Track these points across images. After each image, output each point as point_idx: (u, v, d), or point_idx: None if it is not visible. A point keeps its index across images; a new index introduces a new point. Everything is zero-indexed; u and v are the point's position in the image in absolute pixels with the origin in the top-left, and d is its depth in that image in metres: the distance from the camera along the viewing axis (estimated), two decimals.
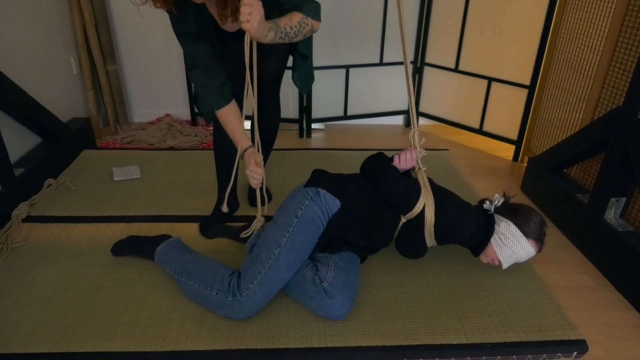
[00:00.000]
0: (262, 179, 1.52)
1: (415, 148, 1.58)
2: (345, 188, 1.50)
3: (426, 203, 1.47)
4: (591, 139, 1.89)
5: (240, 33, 1.45)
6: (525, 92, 2.54)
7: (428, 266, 1.68)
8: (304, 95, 2.81)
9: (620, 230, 1.71)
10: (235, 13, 1.40)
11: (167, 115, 2.99)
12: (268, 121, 1.97)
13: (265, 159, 2.13)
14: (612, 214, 1.79)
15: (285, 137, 2.89)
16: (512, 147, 2.68)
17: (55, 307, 1.43)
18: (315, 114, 2.90)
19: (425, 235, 1.52)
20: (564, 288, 1.66)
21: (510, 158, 2.69)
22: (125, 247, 1.64)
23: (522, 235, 1.46)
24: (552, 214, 2.09)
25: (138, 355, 1.28)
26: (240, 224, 1.76)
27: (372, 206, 1.50)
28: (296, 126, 2.94)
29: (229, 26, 1.54)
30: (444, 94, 2.93)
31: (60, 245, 1.71)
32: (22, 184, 1.97)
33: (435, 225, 1.48)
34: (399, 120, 3.17)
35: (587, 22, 2.08)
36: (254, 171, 1.50)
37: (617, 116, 1.74)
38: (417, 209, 1.47)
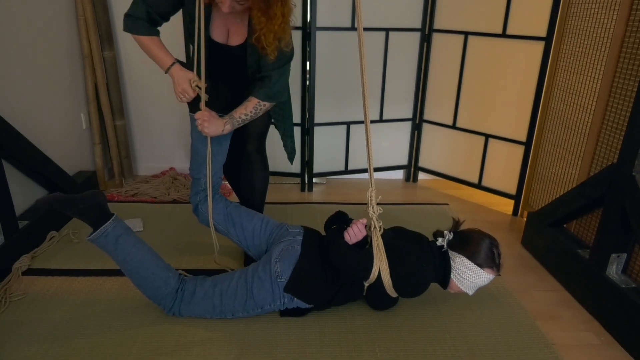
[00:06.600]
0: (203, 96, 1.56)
1: (362, 219, 1.62)
2: (322, 295, 1.61)
3: (380, 267, 1.52)
4: (588, 195, 1.90)
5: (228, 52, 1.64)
6: (522, 148, 2.59)
7: (430, 324, 1.65)
8: (306, 150, 2.86)
9: (623, 286, 1.69)
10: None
11: (171, 168, 3.04)
12: (256, 176, 2.03)
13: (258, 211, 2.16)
14: (613, 270, 1.77)
15: (287, 191, 2.91)
16: (512, 202, 2.70)
17: None
18: (316, 169, 2.94)
19: (389, 293, 1.57)
20: (569, 346, 1.62)
21: (510, 212, 2.70)
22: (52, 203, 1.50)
23: (477, 267, 1.53)
24: (554, 269, 2.07)
25: None
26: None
27: (340, 292, 1.61)
28: (298, 180, 2.98)
29: (216, 33, 1.62)
30: (443, 149, 2.98)
31: (59, 299, 1.69)
32: (26, 237, 1.98)
33: (393, 286, 1.54)
34: (399, 174, 3.21)
35: (578, 83, 2.16)
36: (185, 90, 1.55)
37: (612, 173, 1.76)
38: (373, 276, 1.52)
